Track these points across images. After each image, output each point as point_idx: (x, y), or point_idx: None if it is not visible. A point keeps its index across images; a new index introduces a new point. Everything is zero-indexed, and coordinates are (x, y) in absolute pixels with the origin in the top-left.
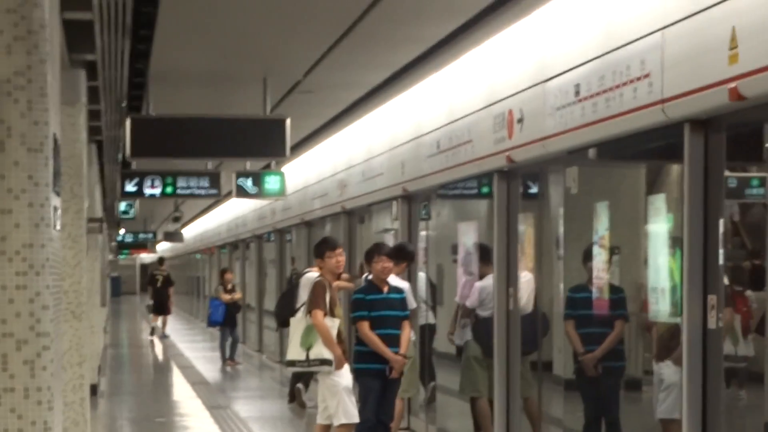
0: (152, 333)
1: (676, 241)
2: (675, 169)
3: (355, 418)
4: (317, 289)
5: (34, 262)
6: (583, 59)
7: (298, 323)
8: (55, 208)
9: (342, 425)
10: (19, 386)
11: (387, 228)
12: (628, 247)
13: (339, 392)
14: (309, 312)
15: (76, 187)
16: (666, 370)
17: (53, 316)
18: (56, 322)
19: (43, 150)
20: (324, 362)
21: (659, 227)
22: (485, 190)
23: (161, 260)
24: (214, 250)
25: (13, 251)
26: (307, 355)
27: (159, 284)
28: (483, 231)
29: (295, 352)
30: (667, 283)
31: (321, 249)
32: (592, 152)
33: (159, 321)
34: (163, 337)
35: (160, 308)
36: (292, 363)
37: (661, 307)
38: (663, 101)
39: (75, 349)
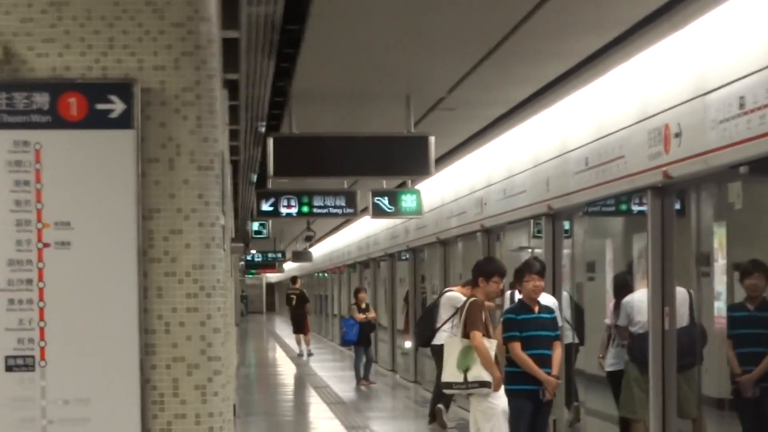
0: (300, 354)
1: None
2: None
3: None
4: (474, 309)
5: (204, 284)
6: (748, 70)
7: (453, 344)
8: (223, 228)
9: None
10: (190, 412)
11: (523, 246)
12: None
13: (496, 415)
14: (466, 333)
15: (224, 209)
16: None
17: (224, 338)
18: (226, 345)
19: (213, 168)
20: (483, 384)
21: None
22: (623, 207)
23: (294, 279)
24: (343, 268)
25: (183, 273)
26: (465, 377)
27: (294, 303)
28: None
29: (452, 374)
30: None
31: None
32: (744, 168)
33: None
34: (309, 354)
35: (298, 327)
36: (449, 385)
37: None
38: None
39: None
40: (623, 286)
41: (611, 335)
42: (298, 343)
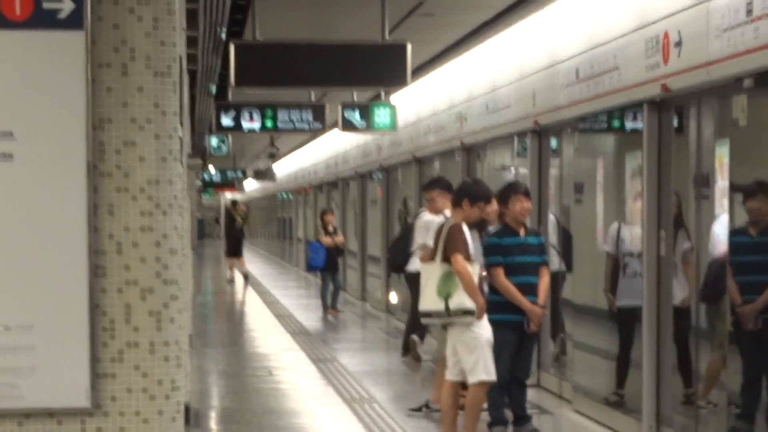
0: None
1: None
2: None
3: (494, 376)
4: (456, 232)
5: (160, 201)
6: None
7: (431, 270)
8: (181, 141)
9: (480, 383)
10: (144, 340)
11: (506, 165)
12: None
13: (480, 346)
14: (447, 257)
15: (182, 120)
16: None
17: (181, 261)
18: (184, 268)
19: (170, 74)
20: (467, 312)
21: None
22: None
23: (234, 203)
24: (309, 189)
25: (137, 188)
26: (447, 305)
27: (237, 225)
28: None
29: (431, 302)
30: None
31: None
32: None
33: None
34: (231, 281)
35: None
36: (428, 314)
37: None
38: None
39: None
40: None
41: (621, 264)
42: (230, 268)
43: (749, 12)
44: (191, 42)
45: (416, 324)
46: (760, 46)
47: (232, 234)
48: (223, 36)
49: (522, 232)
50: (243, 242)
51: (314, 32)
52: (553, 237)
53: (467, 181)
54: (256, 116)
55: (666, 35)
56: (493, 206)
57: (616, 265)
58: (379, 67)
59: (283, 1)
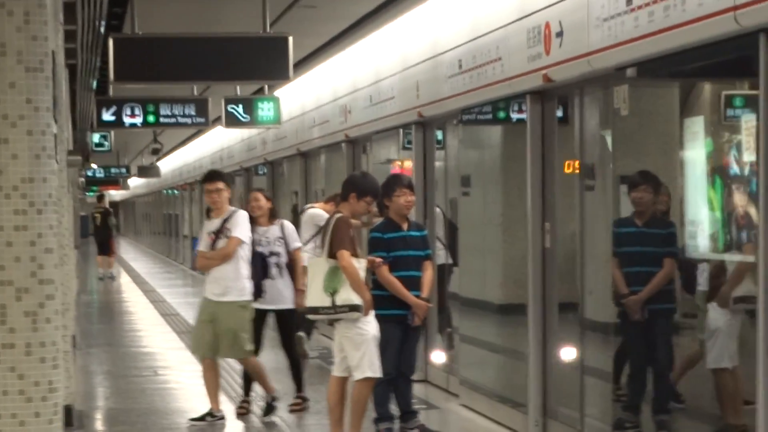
0: (101, 278)
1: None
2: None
3: (380, 372)
4: (342, 226)
5: (35, 199)
6: None
7: (317, 265)
8: (56, 137)
9: (366, 379)
10: (20, 342)
11: (392, 158)
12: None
13: (366, 342)
14: (332, 252)
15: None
16: (712, 313)
17: (57, 260)
18: (60, 267)
19: (43, 69)
20: (353, 308)
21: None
22: (502, 114)
23: (100, 197)
24: (195, 184)
25: (10, 186)
26: (333, 301)
27: (99, 222)
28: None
29: (317, 297)
30: (706, 214)
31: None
32: (631, 71)
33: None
34: (110, 278)
35: (102, 248)
36: (315, 310)
37: (700, 242)
38: (735, 8)
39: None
40: None
41: None
42: (101, 265)
43: (629, 1)
44: (70, 36)
45: (303, 320)
46: (641, 36)
47: (98, 232)
48: (102, 30)
49: (405, 225)
50: (112, 240)
51: (195, 25)
52: (439, 230)
53: (355, 175)
54: (138, 111)
55: (547, 25)
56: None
57: None
58: (261, 61)
59: None
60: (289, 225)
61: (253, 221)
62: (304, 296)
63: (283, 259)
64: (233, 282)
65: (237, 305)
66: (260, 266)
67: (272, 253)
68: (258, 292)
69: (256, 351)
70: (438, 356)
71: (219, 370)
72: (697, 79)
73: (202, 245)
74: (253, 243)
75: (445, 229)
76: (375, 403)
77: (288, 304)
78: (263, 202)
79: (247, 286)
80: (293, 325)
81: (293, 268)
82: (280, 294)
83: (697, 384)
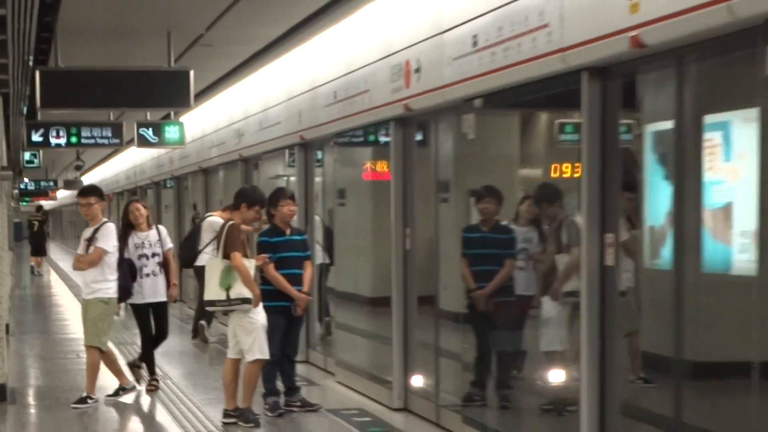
0: (32, 272)
1: None
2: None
3: (268, 354)
4: (233, 231)
5: None
6: (480, 11)
7: (214, 265)
8: None
9: (256, 361)
10: None
11: (279, 174)
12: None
13: (256, 329)
14: (226, 254)
15: None
16: (546, 305)
17: None
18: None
19: None
20: (245, 301)
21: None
22: (371, 137)
23: (39, 208)
24: (113, 196)
25: None
26: (228, 295)
27: (35, 228)
28: None
29: (214, 292)
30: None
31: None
32: (478, 101)
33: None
34: (39, 275)
35: (37, 250)
36: (212, 303)
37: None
38: (563, 50)
39: None
40: None
41: None
42: (36, 264)
43: (475, 43)
44: (3, 69)
45: (204, 311)
46: (485, 72)
47: (33, 236)
48: (31, 63)
49: (288, 231)
50: (45, 243)
51: (110, 60)
52: (318, 235)
53: (246, 188)
54: (63, 133)
55: (407, 63)
56: (287, 207)
57: None
58: (167, 91)
59: (82, 32)
60: (163, 229)
61: (136, 228)
62: (176, 289)
63: (160, 258)
64: (99, 284)
65: (99, 300)
66: (128, 270)
67: (154, 254)
68: (127, 293)
69: (156, 339)
70: (417, 380)
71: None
72: (534, 109)
73: (80, 249)
74: (135, 247)
75: (324, 234)
76: (264, 380)
77: (163, 297)
78: (143, 211)
79: (111, 286)
80: (167, 315)
81: (167, 266)
82: (158, 289)
83: (534, 364)
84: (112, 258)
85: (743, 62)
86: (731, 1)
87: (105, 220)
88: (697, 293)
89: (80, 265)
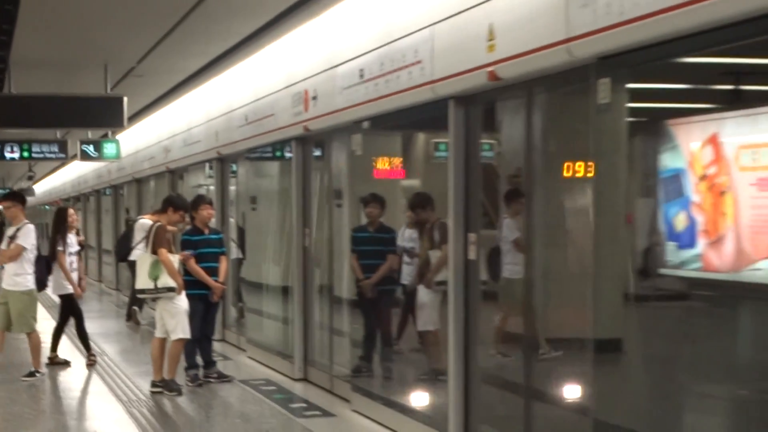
0: None
1: None
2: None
3: (189, 334)
4: (160, 231)
5: None
6: (366, 49)
7: (144, 259)
8: None
9: (179, 340)
10: None
11: (201, 184)
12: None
13: (179, 313)
14: (154, 250)
15: None
16: (421, 292)
17: None
18: None
19: None
20: (170, 289)
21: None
22: (278, 153)
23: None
24: (60, 202)
25: None
26: (155, 285)
27: None
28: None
29: (144, 282)
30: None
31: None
32: (367, 123)
33: None
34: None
35: None
36: (142, 291)
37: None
38: (433, 82)
39: None
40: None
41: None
42: None
43: (361, 75)
44: None
45: (136, 298)
46: (370, 100)
47: None
48: None
49: (207, 231)
50: None
51: (57, 87)
52: (233, 234)
53: (172, 195)
54: (16, 149)
55: (306, 92)
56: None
57: None
58: (104, 114)
59: (32, 64)
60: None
61: (70, 230)
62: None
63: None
64: (19, 277)
65: (21, 293)
66: (44, 266)
67: (77, 252)
68: (42, 285)
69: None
70: (314, 355)
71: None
72: (412, 130)
73: (3, 245)
74: (69, 246)
75: (237, 233)
76: (185, 355)
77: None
78: (75, 216)
79: (30, 279)
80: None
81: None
82: (75, 281)
83: (411, 341)
84: (30, 254)
85: (581, 92)
86: (570, 44)
87: (26, 221)
88: (546, 282)
89: (1, 259)
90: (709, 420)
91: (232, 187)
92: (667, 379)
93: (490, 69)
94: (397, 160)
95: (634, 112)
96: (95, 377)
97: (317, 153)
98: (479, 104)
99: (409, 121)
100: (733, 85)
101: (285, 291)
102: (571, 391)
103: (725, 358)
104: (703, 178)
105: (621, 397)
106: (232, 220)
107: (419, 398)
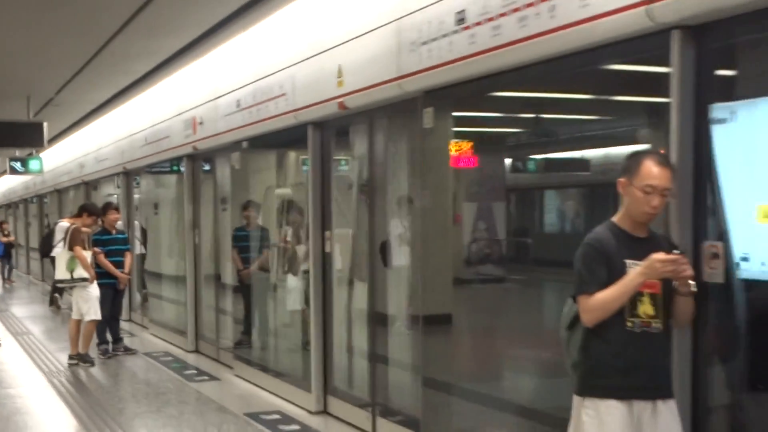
0: None
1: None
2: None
3: (100, 316)
4: (76, 233)
5: None
6: (242, 83)
7: (63, 255)
8: None
9: (92, 321)
10: None
11: (111, 193)
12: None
13: (92, 299)
14: (71, 247)
15: None
16: (290, 279)
17: None
18: None
19: None
20: (84, 279)
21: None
22: (175, 167)
23: None
24: None
25: None
26: (72, 276)
27: None
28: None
29: (62, 274)
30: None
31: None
32: (245, 143)
33: None
34: None
35: None
36: (61, 281)
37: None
38: (295, 111)
39: None
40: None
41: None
42: None
43: (238, 105)
44: None
45: (56, 287)
46: (247, 124)
47: None
48: None
49: (114, 231)
50: None
51: None
52: (138, 233)
53: (86, 203)
54: None
55: (194, 118)
56: (113, 215)
57: None
58: (27, 137)
59: None
60: None
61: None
62: None
63: None
64: None
65: None
66: None
67: None
68: None
69: None
70: (204, 330)
71: None
72: (281, 149)
73: None
74: None
75: (141, 233)
76: (97, 333)
77: None
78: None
79: None
80: None
81: None
82: None
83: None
84: None
85: (412, 119)
86: (401, 80)
87: None
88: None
89: None
90: (519, 377)
91: (137, 196)
92: (484, 345)
93: (339, 100)
94: (270, 173)
95: (456, 134)
96: (22, 352)
97: (206, 168)
98: (332, 128)
99: (279, 141)
100: (534, 114)
101: (180, 279)
102: (409, 357)
103: (532, 327)
104: None
105: (446, 359)
106: (136, 223)
107: (289, 364)
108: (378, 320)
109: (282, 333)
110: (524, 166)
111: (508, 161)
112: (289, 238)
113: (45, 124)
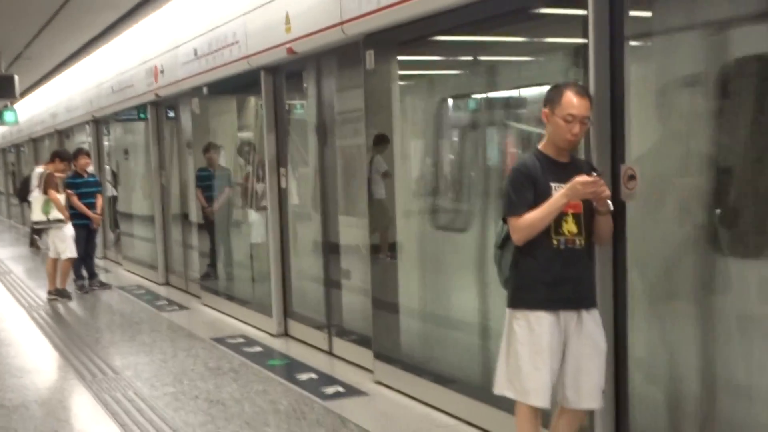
0: None
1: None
2: (252, 99)
3: (76, 254)
4: (51, 177)
5: None
6: (199, 33)
7: (38, 199)
8: None
9: (68, 259)
10: None
11: (83, 141)
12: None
13: (67, 239)
14: (45, 191)
15: None
16: (252, 214)
17: None
18: None
19: None
20: (59, 221)
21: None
22: (142, 115)
23: None
24: None
25: None
26: (48, 218)
27: None
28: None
29: (38, 216)
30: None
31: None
32: (205, 89)
33: None
34: None
35: None
36: (38, 223)
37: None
38: (248, 57)
39: None
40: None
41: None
42: None
43: (196, 53)
44: None
45: (34, 229)
46: (202, 71)
47: None
48: None
49: (86, 175)
50: None
51: None
52: (109, 177)
53: (59, 149)
54: None
55: (156, 67)
56: (84, 160)
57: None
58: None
59: None
60: None
61: None
62: None
63: None
64: None
65: None
66: None
67: None
68: None
69: None
70: (173, 264)
71: None
72: (237, 94)
73: None
74: None
75: (112, 176)
76: (73, 270)
77: None
78: None
79: None
80: None
81: None
82: None
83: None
84: None
85: (357, 61)
86: (344, 25)
87: None
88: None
89: None
90: (459, 296)
91: (107, 142)
92: (426, 269)
93: (288, 46)
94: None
95: (400, 76)
96: (4, 290)
97: (171, 114)
98: (282, 72)
99: (236, 87)
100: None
101: (150, 219)
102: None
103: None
104: None
105: (391, 282)
106: (107, 167)
107: (252, 292)
108: (331, 249)
109: (245, 264)
110: (465, 105)
111: (450, 101)
112: (250, 177)
113: (16, 77)
